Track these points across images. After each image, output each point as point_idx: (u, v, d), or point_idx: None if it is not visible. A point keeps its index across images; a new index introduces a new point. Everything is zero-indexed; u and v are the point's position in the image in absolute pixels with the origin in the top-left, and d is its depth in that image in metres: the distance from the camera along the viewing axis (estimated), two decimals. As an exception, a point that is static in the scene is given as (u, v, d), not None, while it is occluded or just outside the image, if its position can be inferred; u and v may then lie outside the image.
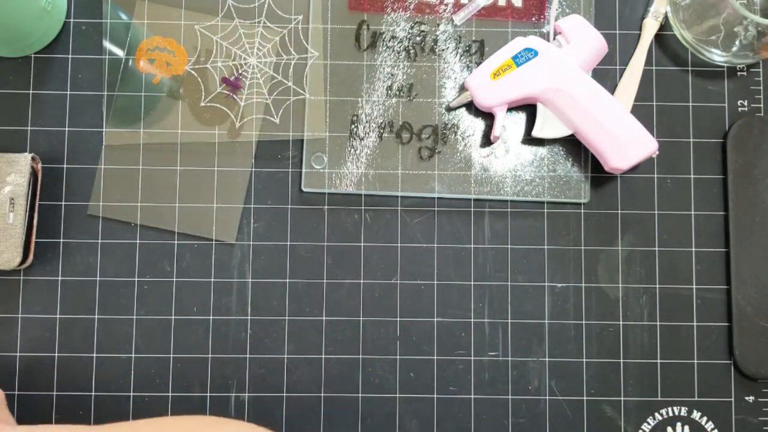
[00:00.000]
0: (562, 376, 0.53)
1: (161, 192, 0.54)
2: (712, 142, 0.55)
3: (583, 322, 0.53)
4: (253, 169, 0.54)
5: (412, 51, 0.55)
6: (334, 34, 0.55)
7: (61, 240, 0.53)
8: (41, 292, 0.53)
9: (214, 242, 0.54)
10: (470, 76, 0.53)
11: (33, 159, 0.52)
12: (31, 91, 0.54)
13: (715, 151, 0.55)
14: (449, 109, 0.55)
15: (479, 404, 0.53)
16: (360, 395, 0.53)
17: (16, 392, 0.52)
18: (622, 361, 0.53)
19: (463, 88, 0.54)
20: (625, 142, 0.51)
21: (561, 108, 0.52)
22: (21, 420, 0.52)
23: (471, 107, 0.55)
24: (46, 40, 0.54)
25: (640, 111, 0.54)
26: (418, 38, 0.55)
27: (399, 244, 0.54)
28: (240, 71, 0.54)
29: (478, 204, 0.54)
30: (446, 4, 0.56)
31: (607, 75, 0.55)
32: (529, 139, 0.54)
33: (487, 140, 0.54)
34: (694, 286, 0.54)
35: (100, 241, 0.53)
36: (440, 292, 0.54)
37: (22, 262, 0.51)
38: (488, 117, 0.55)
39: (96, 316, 0.53)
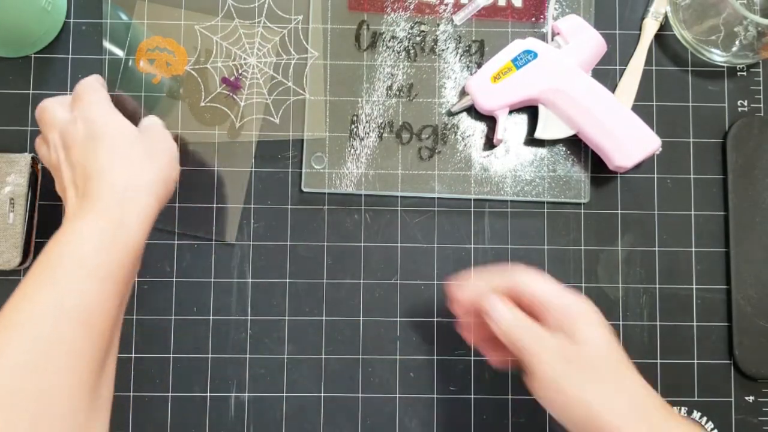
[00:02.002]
0: (562, 376, 0.53)
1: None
2: (712, 142, 0.55)
3: (583, 322, 0.53)
4: (253, 169, 0.54)
5: (412, 51, 0.55)
6: (334, 34, 0.55)
7: (61, 240, 0.53)
8: (41, 292, 0.53)
9: (214, 242, 0.54)
10: (470, 80, 0.53)
11: (33, 159, 0.52)
12: (31, 91, 0.54)
13: (715, 151, 0.55)
14: (450, 114, 0.55)
15: (479, 404, 0.53)
16: (360, 395, 0.53)
17: (16, 392, 0.52)
18: (622, 361, 0.53)
19: (463, 93, 0.54)
20: (628, 141, 0.51)
21: (562, 108, 0.52)
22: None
23: (472, 110, 0.55)
24: (46, 40, 0.54)
25: (640, 111, 0.54)
26: (418, 38, 0.55)
27: (399, 244, 0.54)
28: (240, 71, 0.54)
29: (478, 204, 0.54)
30: (446, 4, 0.56)
31: (607, 75, 0.55)
32: (530, 140, 0.54)
33: (488, 142, 0.54)
34: (694, 286, 0.54)
35: (100, 241, 0.53)
36: (440, 292, 0.54)
37: (22, 262, 0.51)
38: (488, 117, 0.55)
39: (96, 316, 0.53)
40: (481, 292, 0.44)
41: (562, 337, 0.40)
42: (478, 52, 0.55)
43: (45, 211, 0.53)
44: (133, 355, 0.52)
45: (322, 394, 0.53)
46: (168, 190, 0.43)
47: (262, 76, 0.55)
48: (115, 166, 0.40)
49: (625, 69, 0.55)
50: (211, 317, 0.53)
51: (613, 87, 0.55)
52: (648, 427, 0.37)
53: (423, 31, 0.55)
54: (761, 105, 0.56)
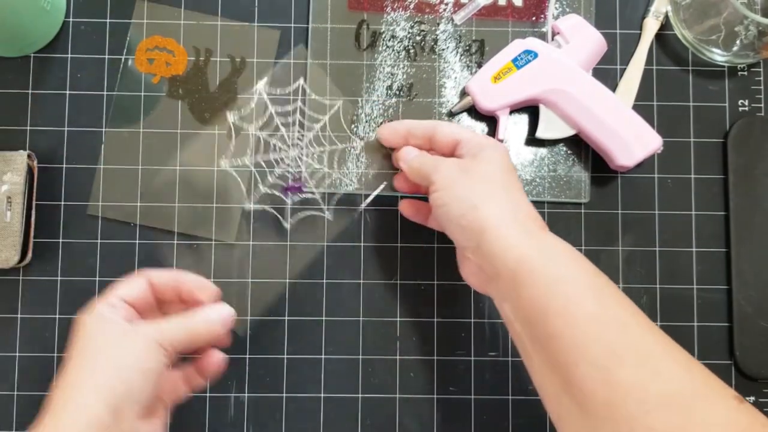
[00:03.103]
0: (563, 377, 0.53)
1: (161, 192, 0.53)
2: (713, 141, 0.55)
3: (584, 322, 0.53)
4: (253, 169, 0.54)
5: (412, 50, 0.55)
6: (333, 34, 0.55)
7: (61, 240, 0.53)
8: (40, 291, 0.53)
9: (213, 242, 0.53)
10: (471, 81, 0.53)
11: (29, 156, 0.52)
12: (30, 91, 0.54)
13: (715, 151, 0.55)
14: (451, 115, 0.54)
15: (479, 404, 0.53)
16: (360, 395, 0.53)
17: (15, 392, 0.52)
18: (622, 361, 0.53)
19: (464, 93, 0.54)
20: (630, 140, 0.51)
21: (563, 108, 0.52)
22: (20, 421, 0.52)
23: (472, 110, 0.54)
24: (46, 39, 0.54)
25: (640, 111, 0.54)
26: (418, 38, 0.55)
27: (399, 244, 0.54)
28: (296, 171, 0.53)
29: (478, 204, 0.54)
30: (446, 4, 0.56)
31: (607, 75, 0.55)
32: (531, 140, 0.54)
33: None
34: (694, 287, 0.54)
35: (99, 241, 0.53)
36: (440, 292, 0.53)
37: (21, 260, 0.51)
38: (488, 117, 0.54)
39: (95, 316, 0.52)
40: (401, 133, 0.49)
41: (465, 158, 0.45)
42: (478, 52, 0.55)
43: (44, 211, 0.53)
44: (132, 355, 0.52)
45: (322, 395, 0.52)
46: (135, 401, 0.37)
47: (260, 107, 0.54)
48: (68, 367, 0.38)
49: (625, 68, 0.55)
50: (210, 317, 0.53)
51: (613, 86, 0.55)
52: (522, 230, 0.40)
53: (423, 31, 0.55)
54: (762, 105, 0.55)
